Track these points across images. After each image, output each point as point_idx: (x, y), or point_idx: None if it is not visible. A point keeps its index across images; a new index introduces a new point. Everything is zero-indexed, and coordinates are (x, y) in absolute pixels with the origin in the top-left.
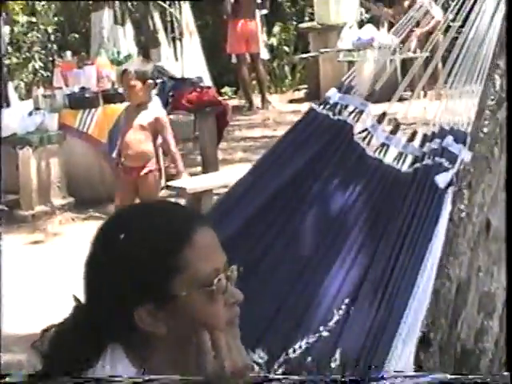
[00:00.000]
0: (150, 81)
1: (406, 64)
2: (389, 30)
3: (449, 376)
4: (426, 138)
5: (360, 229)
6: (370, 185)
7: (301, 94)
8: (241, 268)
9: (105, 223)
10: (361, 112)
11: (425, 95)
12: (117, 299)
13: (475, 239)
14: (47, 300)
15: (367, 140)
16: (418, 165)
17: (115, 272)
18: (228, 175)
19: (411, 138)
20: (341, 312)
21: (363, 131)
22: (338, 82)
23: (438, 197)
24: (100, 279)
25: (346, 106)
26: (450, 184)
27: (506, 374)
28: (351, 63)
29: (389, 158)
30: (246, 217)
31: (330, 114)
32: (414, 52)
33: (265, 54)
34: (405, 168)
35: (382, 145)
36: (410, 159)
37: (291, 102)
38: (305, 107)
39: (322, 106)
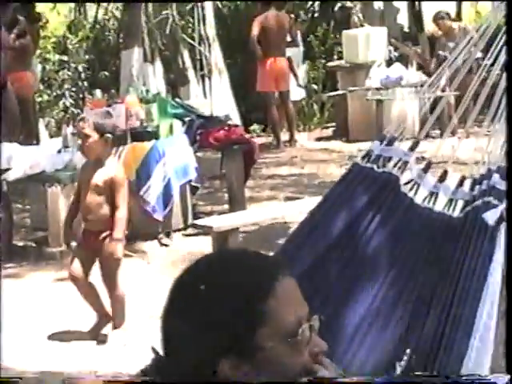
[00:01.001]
0: (109, 135)
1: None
2: (417, 68)
3: (449, 377)
4: (475, 182)
5: (415, 279)
6: (421, 234)
7: (329, 131)
8: (322, 317)
9: (184, 273)
10: (405, 163)
11: (452, 133)
12: (199, 352)
13: None
14: (74, 337)
15: (414, 190)
16: (468, 208)
17: (197, 324)
18: (255, 214)
19: (460, 183)
20: (402, 363)
21: (409, 182)
22: (379, 135)
23: (490, 235)
24: (181, 331)
25: (390, 158)
26: (500, 220)
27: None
28: (379, 102)
29: (439, 206)
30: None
31: (374, 166)
32: (443, 90)
33: (301, 93)
34: (456, 213)
35: (431, 193)
36: (460, 204)
37: (319, 139)
38: (333, 145)
39: (365, 160)
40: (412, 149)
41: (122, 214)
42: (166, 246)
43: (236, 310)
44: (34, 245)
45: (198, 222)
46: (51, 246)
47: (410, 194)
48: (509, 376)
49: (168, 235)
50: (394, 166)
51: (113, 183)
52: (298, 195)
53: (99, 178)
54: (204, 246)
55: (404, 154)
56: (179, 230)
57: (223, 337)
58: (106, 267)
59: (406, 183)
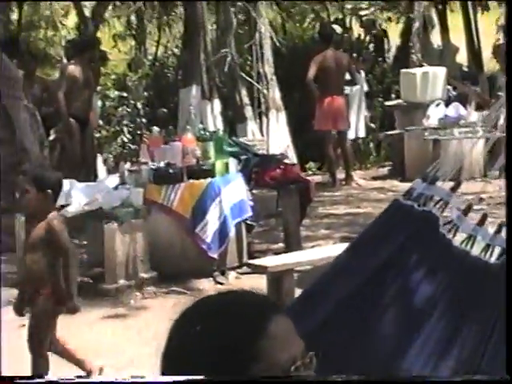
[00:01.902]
0: (50, 191)
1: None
2: (476, 108)
3: (450, 378)
4: None
5: (447, 321)
6: (456, 277)
7: (385, 170)
8: (319, 354)
9: (182, 315)
10: (446, 203)
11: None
12: None
13: None
14: (128, 374)
15: (453, 231)
16: (505, 256)
17: (191, 363)
18: (310, 254)
19: (498, 229)
20: None
21: (449, 222)
22: (422, 173)
23: None
24: (177, 370)
25: (431, 197)
26: None
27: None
28: (437, 141)
29: (476, 250)
30: (330, 308)
31: (415, 204)
32: (503, 132)
33: (358, 131)
34: (493, 259)
35: (469, 236)
36: (498, 251)
37: (375, 178)
38: (389, 184)
39: (406, 197)
40: (454, 189)
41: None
42: (220, 284)
43: (228, 350)
44: (90, 281)
45: (253, 261)
46: (107, 283)
47: (449, 235)
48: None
49: (223, 273)
50: (435, 205)
51: (51, 240)
52: (353, 235)
53: (37, 234)
54: (259, 284)
55: (446, 194)
56: (234, 268)
57: (217, 373)
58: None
59: (446, 224)
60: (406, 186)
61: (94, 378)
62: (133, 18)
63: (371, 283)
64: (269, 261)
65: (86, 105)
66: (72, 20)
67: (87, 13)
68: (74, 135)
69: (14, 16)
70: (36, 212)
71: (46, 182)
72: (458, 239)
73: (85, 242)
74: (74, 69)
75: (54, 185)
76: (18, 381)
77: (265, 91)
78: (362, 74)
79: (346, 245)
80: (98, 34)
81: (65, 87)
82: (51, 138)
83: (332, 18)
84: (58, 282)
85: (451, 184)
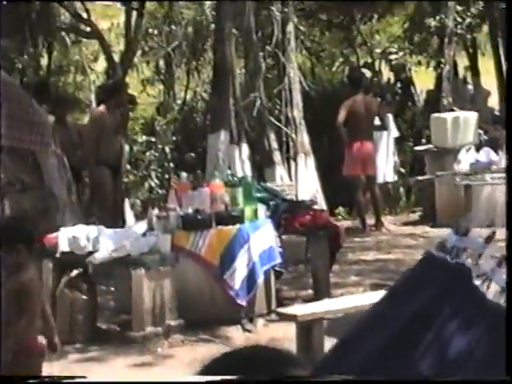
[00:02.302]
0: (22, 245)
1: None
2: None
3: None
4: None
5: (481, 375)
6: (490, 329)
7: (415, 216)
8: None
9: (203, 369)
10: (479, 255)
11: None
12: None
13: None
14: None
15: (487, 284)
16: None
17: None
18: (339, 302)
19: None
20: None
21: (482, 275)
22: (455, 224)
23: None
24: None
25: (464, 249)
26: None
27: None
28: (468, 187)
29: None
30: (363, 358)
31: (448, 257)
32: None
33: (386, 176)
34: None
35: (503, 289)
36: None
37: (406, 224)
38: (419, 230)
39: (439, 249)
40: (488, 240)
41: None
42: (248, 331)
43: None
44: (117, 328)
45: (282, 310)
46: (134, 330)
47: (482, 288)
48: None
49: (251, 321)
50: (468, 257)
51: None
52: (384, 282)
53: (12, 286)
54: (288, 332)
55: (479, 245)
56: (262, 315)
57: None
58: None
59: (479, 276)
60: (437, 232)
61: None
62: (161, 63)
63: (404, 334)
64: (298, 309)
65: (116, 150)
66: (101, 65)
67: (116, 58)
68: (104, 181)
69: (44, 61)
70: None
71: (16, 236)
72: (491, 292)
73: (112, 289)
74: (102, 114)
75: (25, 239)
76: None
77: (293, 135)
78: (390, 117)
79: (376, 293)
80: (127, 79)
81: (94, 133)
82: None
83: (361, 62)
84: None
85: (485, 232)
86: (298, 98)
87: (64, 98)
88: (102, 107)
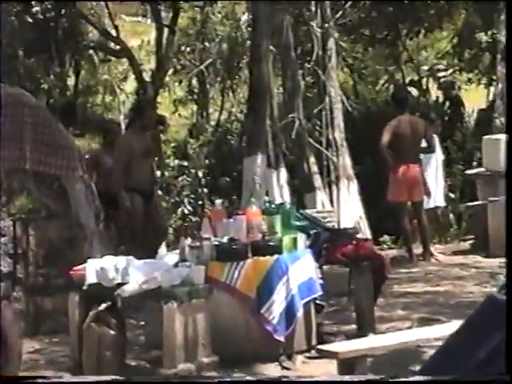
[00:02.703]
0: None
1: None
2: None
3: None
4: None
5: None
6: None
7: (466, 245)
8: None
9: None
10: None
11: None
12: None
13: None
14: None
15: None
16: None
17: None
18: (384, 339)
19: None
20: None
21: None
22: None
23: None
24: None
25: None
26: None
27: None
28: None
29: None
30: None
31: None
32: None
33: (434, 201)
34: None
35: None
36: None
37: (456, 253)
38: (471, 260)
39: (501, 291)
40: None
41: None
42: (287, 369)
43: None
44: (147, 365)
45: (322, 346)
46: (165, 367)
47: None
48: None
49: (290, 357)
50: None
51: None
52: (432, 316)
53: None
54: (329, 370)
55: None
56: (302, 352)
57: None
58: None
59: None
60: (491, 262)
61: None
62: (194, 82)
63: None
64: (340, 346)
65: (146, 175)
66: (131, 84)
67: (147, 77)
68: (133, 209)
69: (71, 81)
70: None
71: None
72: None
73: (142, 323)
74: (130, 137)
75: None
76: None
77: (335, 159)
78: (436, 138)
79: (425, 329)
80: (158, 99)
81: (122, 157)
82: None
83: (407, 80)
84: None
85: None
86: (339, 118)
87: (113, 126)
88: (129, 129)
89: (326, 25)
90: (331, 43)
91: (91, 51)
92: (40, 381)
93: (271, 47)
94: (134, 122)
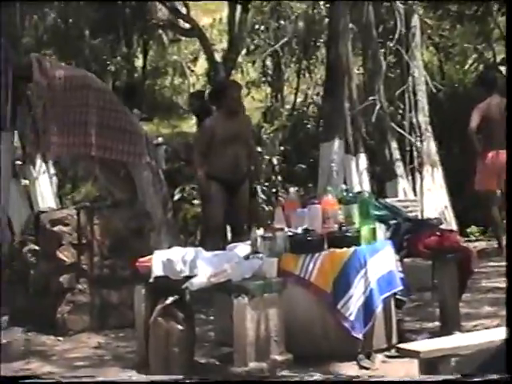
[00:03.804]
0: None
1: None
2: None
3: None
4: None
5: None
6: None
7: None
8: None
9: None
10: None
11: None
12: None
13: None
14: None
15: None
16: None
17: None
18: (471, 338)
19: None
20: None
21: None
22: None
23: None
24: None
25: None
26: None
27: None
28: None
29: None
30: None
31: None
32: None
33: None
34: None
35: None
36: None
37: None
38: None
39: None
40: None
41: None
42: (365, 368)
43: None
44: (217, 362)
45: (403, 345)
46: (236, 365)
47: None
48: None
49: (368, 356)
50: None
51: None
52: None
53: None
54: (410, 369)
55: None
56: (381, 350)
57: None
58: None
59: None
60: None
61: None
62: (268, 62)
63: None
64: (422, 344)
65: (230, 164)
66: (202, 66)
67: (218, 57)
68: (213, 198)
69: (139, 62)
70: None
71: None
72: None
73: (211, 318)
74: (212, 122)
75: None
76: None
77: (418, 144)
78: None
79: None
80: None
81: (203, 143)
82: (176, 198)
83: (498, 59)
84: None
85: None
86: (423, 101)
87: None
88: (214, 114)
89: (410, 1)
90: (415, 20)
91: (160, 31)
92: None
93: (350, 25)
94: (215, 106)
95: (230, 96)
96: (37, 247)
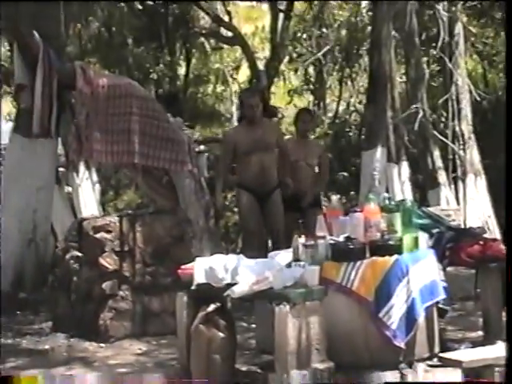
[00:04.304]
0: None
1: None
2: None
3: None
4: None
5: None
6: None
7: None
8: None
9: None
10: None
11: None
12: None
13: None
14: None
15: None
16: None
17: None
18: None
19: None
20: None
21: None
22: None
23: None
24: None
25: None
26: None
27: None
28: None
29: None
30: None
31: None
32: None
33: None
34: None
35: None
36: None
37: None
38: None
39: None
40: None
41: None
42: (407, 377)
43: None
44: (259, 370)
45: (446, 354)
46: (278, 374)
47: None
48: None
49: (410, 365)
50: None
51: None
52: None
53: None
54: (452, 379)
55: None
56: (424, 359)
57: None
58: None
59: None
60: None
61: None
62: (311, 70)
63: None
64: (464, 354)
65: (255, 173)
66: (244, 73)
67: (260, 65)
68: (243, 208)
69: (181, 70)
70: None
71: None
72: None
73: (253, 325)
74: (235, 131)
75: None
76: None
77: (461, 152)
78: None
79: None
80: (273, 89)
81: (226, 153)
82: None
83: None
84: None
85: None
86: (467, 109)
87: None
88: (238, 124)
89: (453, 8)
90: (459, 28)
91: (203, 39)
92: None
93: (393, 33)
94: (241, 112)
95: (246, 104)
96: (79, 254)
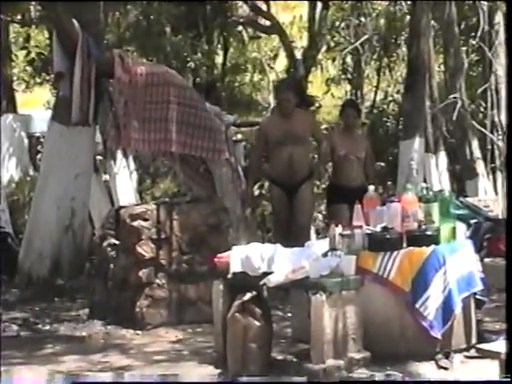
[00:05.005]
0: None
1: None
2: None
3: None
4: None
5: None
6: None
7: None
8: None
9: None
10: None
11: None
12: None
13: None
14: None
15: None
16: None
17: None
18: None
19: None
20: None
21: None
22: None
23: None
24: None
25: None
26: None
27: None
28: None
29: None
30: None
31: None
32: None
33: None
34: None
35: None
36: None
37: None
38: None
39: None
40: None
41: None
42: (444, 368)
43: None
44: (294, 359)
45: (483, 346)
46: (313, 362)
47: None
48: None
49: (447, 356)
50: None
51: None
52: None
53: None
54: (490, 371)
55: None
56: (460, 350)
57: None
58: None
59: None
60: None
61: None
62: (348, 59)
63: None
64: (502, 345)
65: (284, 165)
66: (281, 63)
67: (298, 54)
68: (274, 202)
69: (219, 59)
70: None
71: None
72: None
73: (288, 314)
74: (267, 121)
75: None
76: None
77: (500, 143)
78: None
79: None
80: (310, 78)
81: (259, 143)
82: (254, 194)
83: None
84: None
85: None
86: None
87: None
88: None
89: None
90: (499, 17)
91: (240, 27)
92: None
93: (432, 22)
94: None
95: (279, 97)
96: (116, 241)
